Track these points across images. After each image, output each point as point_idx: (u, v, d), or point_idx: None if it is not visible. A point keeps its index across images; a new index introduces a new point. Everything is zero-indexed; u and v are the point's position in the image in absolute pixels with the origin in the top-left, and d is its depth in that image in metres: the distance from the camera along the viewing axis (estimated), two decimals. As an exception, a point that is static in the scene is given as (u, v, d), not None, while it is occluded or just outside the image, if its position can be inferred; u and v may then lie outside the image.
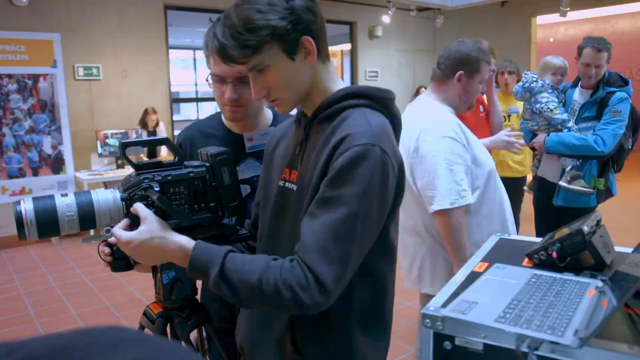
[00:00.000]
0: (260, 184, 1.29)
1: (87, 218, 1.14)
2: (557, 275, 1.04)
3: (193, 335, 1.47)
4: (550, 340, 0.77)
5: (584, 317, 0.84)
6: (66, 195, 1.14)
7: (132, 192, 1.19)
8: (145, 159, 5.52)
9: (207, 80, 1.40)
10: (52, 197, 1.12)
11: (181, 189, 1.27)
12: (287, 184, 1.15)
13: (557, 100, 2.94)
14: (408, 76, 9.48)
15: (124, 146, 1.25)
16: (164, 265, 1.32)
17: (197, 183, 1.28)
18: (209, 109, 14.25)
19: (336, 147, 1.01)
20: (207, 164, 1.31)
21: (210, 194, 1.29)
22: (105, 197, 1.16)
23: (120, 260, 1.29)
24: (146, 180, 1.21)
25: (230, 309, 1.53)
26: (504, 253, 1.27)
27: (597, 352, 0.75)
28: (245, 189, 1.48)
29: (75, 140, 5.78)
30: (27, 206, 1.09)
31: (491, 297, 0.93)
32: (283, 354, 1.14)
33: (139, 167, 1.26)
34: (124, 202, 1.18)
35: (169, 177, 1.25)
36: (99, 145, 5.66)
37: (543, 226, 3.09)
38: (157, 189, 1.21)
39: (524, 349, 0.77)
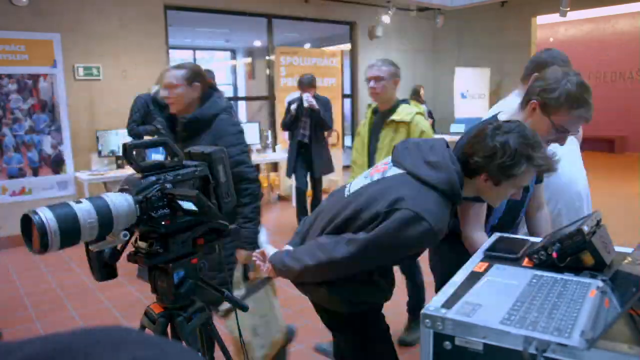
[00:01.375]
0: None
1: (106, 224, 1.12)
2: (558, 276, 1.04)
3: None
4: (557, 342, 0.76)
5: (588, 318, 0.84)
6: (80, 201, 1.11)
7: (148, 194, 1.19)
8: None
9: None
10: (67, 204, 1.08)
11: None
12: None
13: None
14: (408, 76, 9.47)
15: (131, 148, 1.26)
16: (175, 264, 1.32)
17: (199, 181, 1.30)
18: (209, 109, 14.23)
19: None
20: (206, 163, 1.33)
21: (211, 191, 1.31)
22: (120, 201, 1.15)
23: (105, 269, 1.27)
24: (159, 181, 1.22)
25: None
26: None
27: (601, 353, 0.74)
28: None
29: (75, 140, 5.78)
30: (47, 215, 1.03)
31: (494, 299, 0.93)
32: None
33: (144, 169, 1.26)
34: (137, 205, 1.17)
35: (179, 177, 1.26)
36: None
37: None
38: (169, 187, 1.23)
39: (532, 350, 0.77)
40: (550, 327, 0.81)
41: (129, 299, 3.81)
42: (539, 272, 1.07)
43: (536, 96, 1.55)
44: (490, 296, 0.95)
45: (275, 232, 5.78)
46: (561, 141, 1.61)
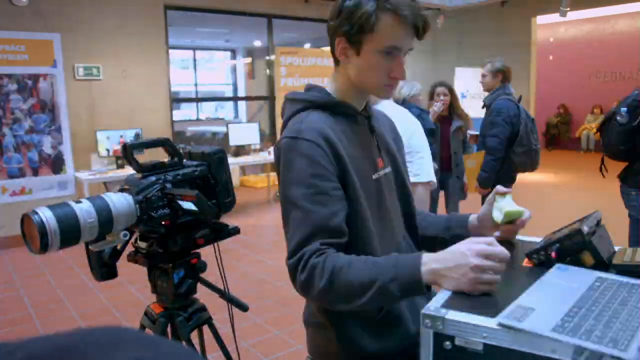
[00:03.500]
0: (353, 185, 1.15)
1: (106, 223, 1.12)
2: (624, 280, 0.98)
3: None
4: (611, 355, 0.72)
5: None
6: (80, 201, 1.11)
7: (148, 194, 1.19)
8: None
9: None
10: (67, 204, 1.08)
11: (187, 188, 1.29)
12: (380, 172, 1.26)
13: None
14: (408, 76, 9.46)
15: (131, 147, 1.26)
16: (175, 264, 1.32)
17: (199, 181, 1.31)
18: (209, 109, 14.25)
19: (395, 128, 1.45)
20: (206, 163, 1.33)
21: (211, 190, 1.31)
22: (120, 201, 1.15)
23: (105, 269, 1.27)
24: (160, 181, 1.23)
25: None
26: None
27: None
28: None
29: (75, 140, 5.78)
30: (47, 214, 1.03)
31: (549, 303, 0.88)
32: None
33: (144, 169, 1.27)
34: (137, 205, 1.17)
35: (179, 177, 1.27)
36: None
37: None
38: (169, 187, 1.23)
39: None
40: (607, 337, 0.75)
41: (129, 299, 3.81)
42: (603, 275, 0.99)
43: None
44: (546, 299, 0.89)
45: (275, 232, 5.79)
46: None
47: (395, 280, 1.00)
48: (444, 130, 4.17)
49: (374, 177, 1.23)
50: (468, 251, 0.98)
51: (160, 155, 1.32)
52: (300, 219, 1.07)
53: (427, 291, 1.01)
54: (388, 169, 1.30)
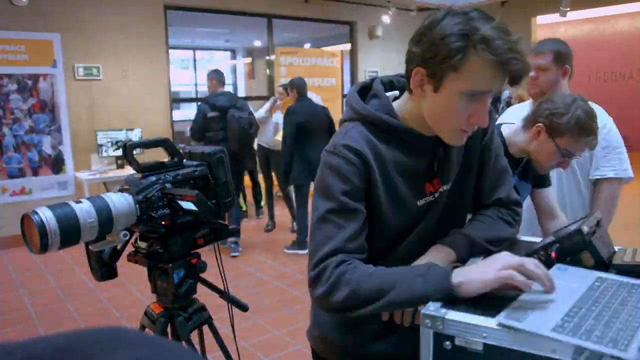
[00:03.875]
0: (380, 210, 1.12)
1: (106, 223, 1.12)
2: (624, 280, 0.98)
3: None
4: (611, 355, 0.72)
5: None
6: (80, 201, 1.11)
7: (148, 194, 1.19)
8: None
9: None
10: (67, 204, 1.09)
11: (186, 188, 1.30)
12: (428, 198, 1.16)
13: None
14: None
15: (131, 147, 1.26)
16: (175, 264, 1.32)
17: (199, 181, 1.31)
18: (209, 109, 14.23)
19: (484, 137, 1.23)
20: (206, 163, 1.33)
21: (211, 190, 1.31)
22: (120, 201, 1.15)
23: (105, 269, 1.27)
24: (160, 181, 1.23)
25: None
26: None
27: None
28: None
29: (75, 140, 5.78)
30: (47, 215, 1.04)
31: (549, 303, 0.88)
32: None
33: (144, 169, 1.27)
34: (137, 205, 1.18)
35: (179, 177, 1.27)
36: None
37: None
38: (169, 187, 1.23)
39: None
40: (607, 337, 0.76)
41: (129, 299, 3.81)
42: (603, 275, 1.00)
43: (544, 119, 1.57)
44: (546, 299, 0.89)
45: (275, 232, 5.79)
46: (564, 165, 1.63)
47: (423, 277, 0.97)
48: None
49: (418, 203, 1.15)
50: (500, 261, 0.95)
51: (160, 155, 1.32)
52: (330, 231, 1.05)
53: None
54: (443, 189, 1.18)
